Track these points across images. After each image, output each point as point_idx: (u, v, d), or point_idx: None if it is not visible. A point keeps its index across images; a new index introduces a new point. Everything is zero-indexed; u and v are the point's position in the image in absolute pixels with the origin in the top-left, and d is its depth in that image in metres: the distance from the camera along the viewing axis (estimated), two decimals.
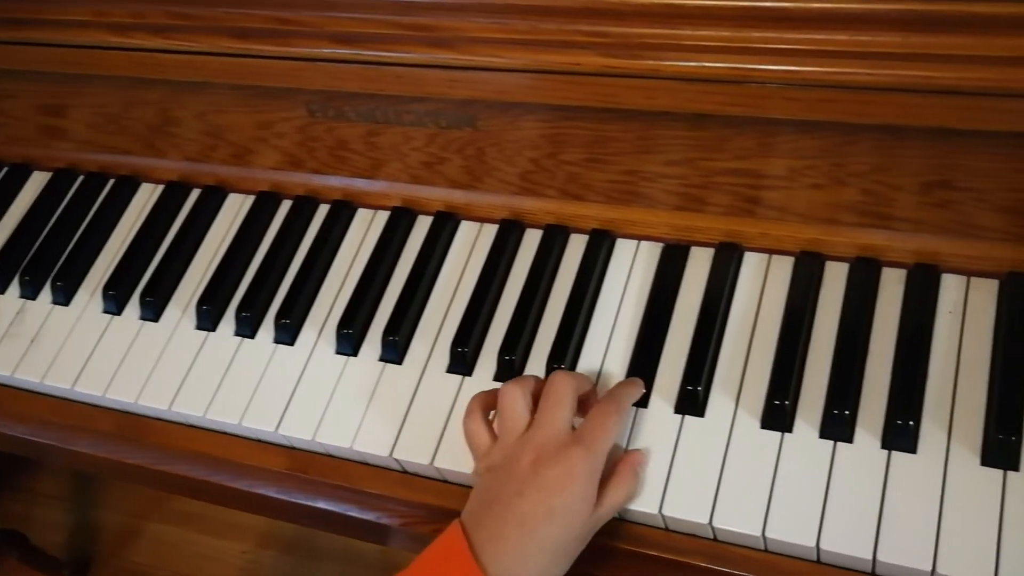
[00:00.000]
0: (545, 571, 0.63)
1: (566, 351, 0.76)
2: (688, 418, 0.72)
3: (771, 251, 0.78)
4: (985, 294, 0.72)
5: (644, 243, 0.81)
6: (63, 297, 0.91)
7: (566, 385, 0.68)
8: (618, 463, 0.68)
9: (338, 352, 0.82)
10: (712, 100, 0.65)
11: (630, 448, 0.71)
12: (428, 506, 0.76)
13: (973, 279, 0.73)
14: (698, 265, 0.79)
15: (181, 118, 0.89)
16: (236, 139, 0.89)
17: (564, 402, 0.67)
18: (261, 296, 0.86)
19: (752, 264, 0.78)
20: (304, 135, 0.86)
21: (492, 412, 0.71)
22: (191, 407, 0.82)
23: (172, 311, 0.89)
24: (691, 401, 0.72)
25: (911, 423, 0.67)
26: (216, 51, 0.75)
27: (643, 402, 0.73)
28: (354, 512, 0.79)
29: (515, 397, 0.68)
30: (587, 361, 0.77)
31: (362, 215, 0.90)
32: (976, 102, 0.58)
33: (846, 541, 0.64)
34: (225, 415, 0.81)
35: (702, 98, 0.65)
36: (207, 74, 0.78)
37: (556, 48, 0.65)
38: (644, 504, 0.69)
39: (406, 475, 0.78)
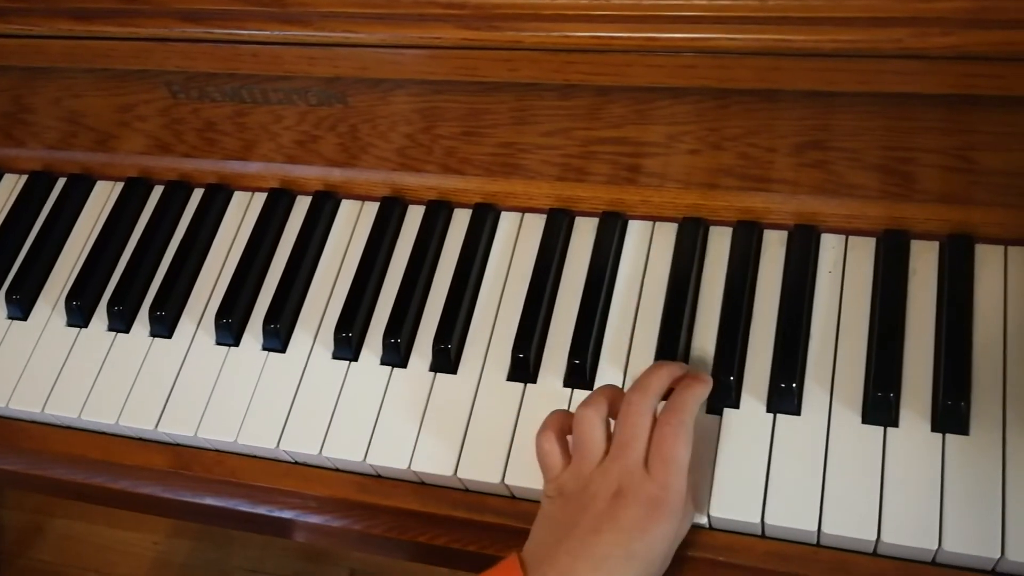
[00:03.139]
0: None
1: (453, 329, 0.75)
2: (577, 391, 0.71)
3: (654, 218, 0.77)
4: (863, 252, 0.72)
5: (528, 215, 0.80)
6: None
7: (642, 414, 0.63)
8: None
9: (218, 343, 0.79)
10: (576, 70, 0.63)
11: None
12: (319, 497, 0.75)
13: (851, 238, 0.73)
14: (583, 235, 0.78)
15: (35, 104, 0.84)
16: (97, 124, 0.85)
17: (640, 430, 0.62)
18: (134, 288, 0.82)
19: (636, 232, 0.77)
20: (169, 117, 0.82)
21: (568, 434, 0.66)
22: (65, 409, 0.78)
23: (41, 308, 0.84)
24: (579, 374, 0.71)
25: (794, 385, 0.67)
26: (57, 34, 0.70)
27: (533, 378, 0.72)
28: (244, 507, 0.77)
29: (592, 424, 0.63)
30: (475, 337, 0.75)
31: (239, 198, 0.87)
32: (834, 64, 0.58)
33: (735, 507, 0.65)
34: (101, 415, 0.77)
35: (566, 68, 0.63)
36: (52, 59, 0.74)
37: (413, 22, 0.63)
38: (536, 481, 0.68)
39: (296, 466, 0.76)
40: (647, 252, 0.76)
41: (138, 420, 0.77)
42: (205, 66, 0.71)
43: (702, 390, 0.66)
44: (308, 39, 0.66)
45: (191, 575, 1.56)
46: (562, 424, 0.66)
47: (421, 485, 0.73)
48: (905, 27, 0.55)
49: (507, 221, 0.80)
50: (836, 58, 0.58)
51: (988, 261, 0.69)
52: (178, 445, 0.78)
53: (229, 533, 1.56)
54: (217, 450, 0.77)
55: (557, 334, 0.74)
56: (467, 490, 0.72)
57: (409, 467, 0.71)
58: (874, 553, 0.64)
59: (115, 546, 1.60)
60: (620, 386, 0.70)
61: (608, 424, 0.65)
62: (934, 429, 0.64)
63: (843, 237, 0.73)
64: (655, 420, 0.63)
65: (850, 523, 0.63)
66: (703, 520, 0.65)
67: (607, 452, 0.63)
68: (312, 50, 0.67)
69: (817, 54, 0.57)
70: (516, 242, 0.79)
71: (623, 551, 0.59)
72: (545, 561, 0.60)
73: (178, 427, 0.76)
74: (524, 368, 0.72)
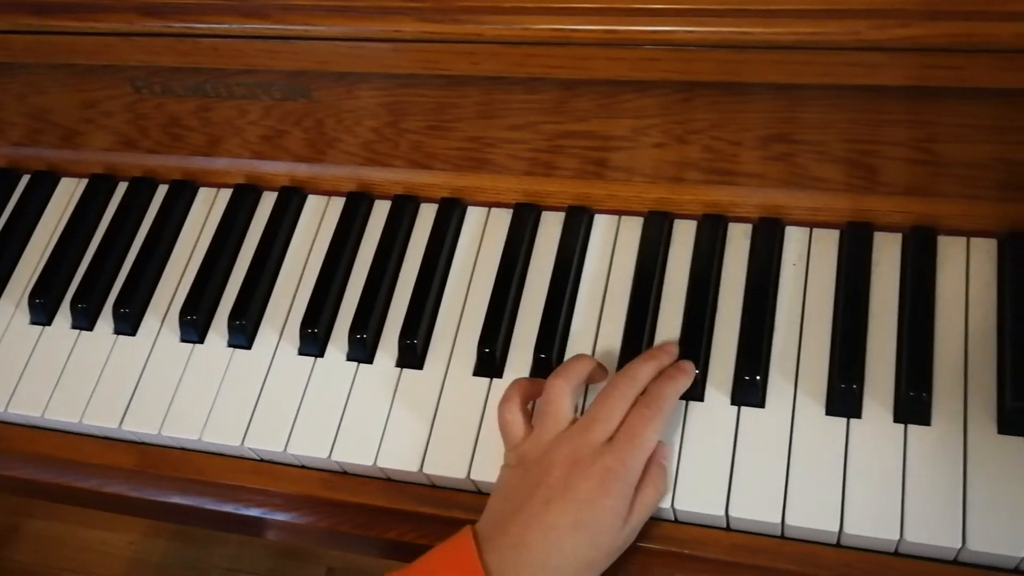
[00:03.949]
0: None
1: (419, 324, 0.74)
2: None
3: (621, 212, 0.77)
4: (827, 245, 0.72)
5: (495, 210, 0.80)
6: None
7: (623, 398, 0.64)
8: (646, 463, 0.64)
9: (183, 340, 0.79)
10: (538, 63, 0.63)
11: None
12: (286, 494, 0.74)
13: (816, 230, 0.73)
14: (549, 230, 0.78)
15: (0, 101, 0.83)
16: (62, 120, 0.84)
17: (615, 412, 0.63)
18: (98, 285, 0.82)
19: (602, 226, 0.77)
20: (133, 113, 0.81)
21: (531, 402, 0.68)
22: (29, 407, 0.78)
23: (4, 306, 0.84)
24: (545, 369, 0.71)
25: (758, 378, 0.67)
26: (17, 29, 0.70)
27: (500, 373, 0.72)
28: (210, 505, 0.76)
29: (561, 393, 0.64)
30: (441, 332, 0.75)
31: (204, 194, 0.86)
32: (795, 56, 0.58)
33: (700, 500, 0.65)
34: (65, 413, 0.77)
35: (528, 61, 0.63)
36: (14, 54, 0.73)
37: (372, 15, 0.62)
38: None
39: (262, 463, 0.75)
40: (613, 246, 0.76)
41: (102, 419, 0.76)
42: (167, 61, 0.71)
43: (684, 382, 0.67)
44: (267, 32, 0.65)
45: (168, 574, 1.56)
46: (525, 393, 0.67)
47: (388, 481, 0.72)
48: (863, 19, 0.55)
49: (474, 216, 0.80)
50: (796, 50, 0.58)
51: (950, 253, 0.70)
52: (143, 444, 0.77)
53: (206, 532, 1.55)
54: (182, 448, 0.76)
55: (523, 329, 0.74)
56: (434, 486, 0.71)
57: (375, 463, 0.70)
58: (838, 544, 0.64)
59: (92, 546, 1.59)
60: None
61: (576, 397, 0.65)
62: (896, 420, 0.65)
63: (807, 230, 0.73)
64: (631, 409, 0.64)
65: (814, 515, 0.63)
66: (667, 510, 0.65)
67: (573, 423, 0.64)
68: (272, 43, 0.66)
69: (776, 46, 0.57)
70: (483, 237, 0.79)
71: (571, 520, 0.60)
72: (498, 531, 0.61)
73: (142, 425, 0.75)
74: (490, 363, 0.72)
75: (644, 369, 0.66)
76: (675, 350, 0.69)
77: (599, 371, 0.68)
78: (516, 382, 0.68)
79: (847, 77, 0.59)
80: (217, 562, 1.55)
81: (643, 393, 0.65)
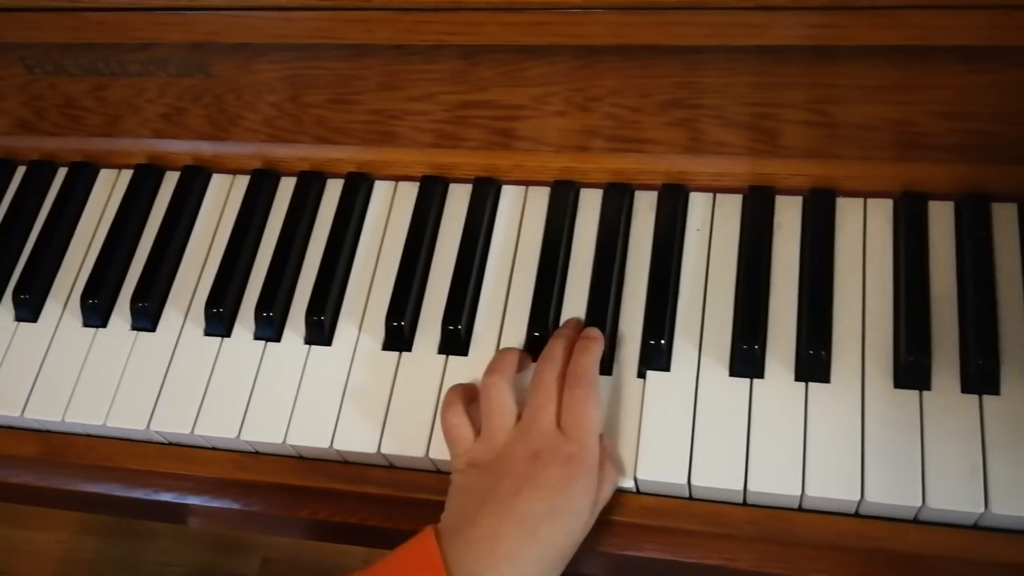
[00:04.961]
0: None
1: (326, 301, 0.74)
2: (452, 358, 0.71)
3: (527, 183, 0.77)
4: (730, 209, 0.73)
5: (402, 183, 0.79)
6: None
7: (553, 380, 0.64)
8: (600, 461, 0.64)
9: (86, 324, 0.77)
10: (431, 30, 0.62)
11: None
12: (196, 477, 0.73)
13: (719, 196, 0.74)
14: (457, 202, 0.78)
15: None
16: None
17: (552, 394, 0.63)
18: None
19: (510, 197, 0.77)
20: (27, 94, 0.79)
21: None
22: None
23: None
24: (453, 341, 0.71)
25: (663, 343, 0.68)
26: None
27: (408, 346, 0.72)
28: (120, 492, 0.75)
29: (501, 390, 0.64)
30: (350, 308, 0.74)
31: (105, 175, 0.84)
32: (679, 17, 0.58)
33: None
34: None
35: (421, 28, 0.62)
36: None
37: None
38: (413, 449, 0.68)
39: (171, 447, 0.74)
40: (520, 217, 0.76)
41: (4, 407, 0.74)
42: (55, 37, 0.69)
43: (597, 349, 0.67)
44: (152, 3, 0.64)
45: (100, 571, 1.53)
46: (465, 396, 0.66)
47: (300, 460, 0.72)
48: None
49: (381, 190, 0.79)
50: (680, 11, 0.58)
51: (848, 214, 0.71)
52: (48, 432, 0.75)
53: (138, 526, 1.53)
54: (88, 435, 0.75)
55: (432, 302, 0.73)
56: (346, 462, 0.71)
57: (284, 441, 0.70)
58: (744, 503, 0.65)
59: (18, 546, 1.56)
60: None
61: (515, 388, 0.65)
62: (798, 379, 0.66)
63: (711, 195, 0.74)
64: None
65: (719, 475, 0.63)
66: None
67: (518, 417, 0.64)
68: (159, 15, 0.65)
69: (660, 8, 0.58)
70: (390, 211, 0.78)
71: (546, 507, 0.59)
72: (466, 527, 0.59)
73: (45, 412, 0.74)
74: (399, 337, 0.72)
75: (558, 346, 0.67)
76: (579, 323, 0.70)
77: (525, 359, 0.68)
78: (454, 387, 0.67)
79: (734, 38, 0.60)
80: (150, 556, 1.52)
81: (567, 374, 0.65)
